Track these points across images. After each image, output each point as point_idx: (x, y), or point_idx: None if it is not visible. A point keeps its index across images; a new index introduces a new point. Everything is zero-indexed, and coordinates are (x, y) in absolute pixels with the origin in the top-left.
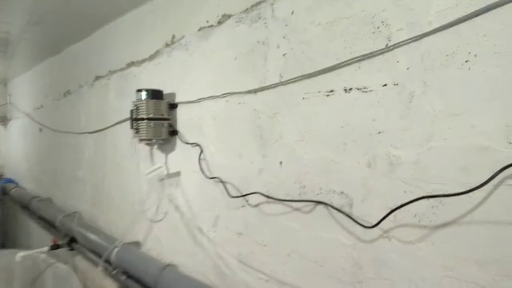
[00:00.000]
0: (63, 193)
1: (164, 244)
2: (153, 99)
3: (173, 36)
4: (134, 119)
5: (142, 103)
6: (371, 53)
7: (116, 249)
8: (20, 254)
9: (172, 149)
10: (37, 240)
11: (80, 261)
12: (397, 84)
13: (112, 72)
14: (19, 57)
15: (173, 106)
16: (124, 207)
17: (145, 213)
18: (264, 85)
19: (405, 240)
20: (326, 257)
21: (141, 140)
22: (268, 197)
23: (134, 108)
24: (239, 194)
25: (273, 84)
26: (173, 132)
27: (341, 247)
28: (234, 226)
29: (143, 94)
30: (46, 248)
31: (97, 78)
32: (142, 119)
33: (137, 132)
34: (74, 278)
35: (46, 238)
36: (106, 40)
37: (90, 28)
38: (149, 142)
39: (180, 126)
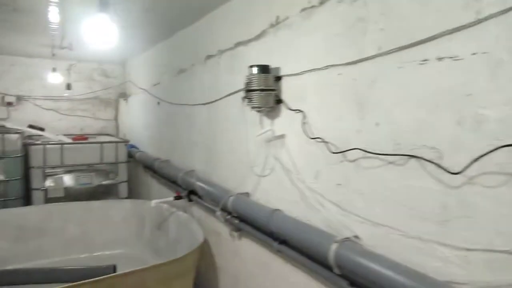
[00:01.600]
0: (180, 155)
1: (270, 194)
2: (262, 73)
3: (277, 17)
4: (247, 90)
5: (254, 76)
6: (462, 25)
7: (231, 198)
8: (154, 201)
9: (277, 115)
10: (156, 194)
11: (196, 210)
12: (485, 53)
13: (221, 52)
14: (136, 41)
15: (278, 79)
16: (235, 165)
17: (253, 170)
18: (363, 57)
19: (488, 185)
20: (416, 201)
21: (252, 108)
22: (366, 151)
23: (247, 81)
24: (339, 151)
25: (371, 56)
26: (279, 101)
27: (430, 193)
28: (334, 178)
29: (255, 69)
30: (171, 198)
31: (208, 57)
32: (254, 90)
33: (249, 102)
34: (194, 224)
35: (164, 192)
36: (215, 23)
37: (199, 13)
38: (259, 109)
39: (284, 96)
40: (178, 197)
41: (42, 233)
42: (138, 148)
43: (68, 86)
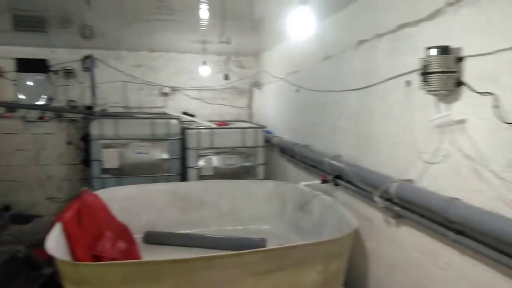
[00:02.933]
0: (322, 140)
1: (442, 181)
2: (442, 54)
3: None
4: (424, 73)
5: (433, 58)
6: None
7: (394, 184)
8: (303, 183)
9: (456, 99)
10: (294, 177)
11: (341, 195)
12: None
13: (379, 35)
14: (270, 34)
15: (459, 60)
16: (395, 151)
17: (421, 156)
18: None
19: None
20: None
21: (429, 91)
22: None
23: (425, 63)
24: None
25: None
26: (459, 83)
27: None
28: None
29: (433, 51)
30: (318, 181)
31: (361, 42)
32: (433, 72)
33: (426, 85)
34: (342, 208)
35: (301, 175)
36: (369, 8)
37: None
38: (435, 93)
39: (467, 78)
40: (324, 181)
41: (202, 205)
42: (272, 133)
43: (226, 77)
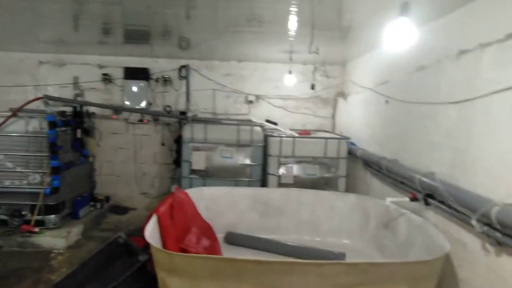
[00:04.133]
0: (412, 155)
1: None
2: None
3: None
4: None
5: None
6: None
7: (495, 208)
8: (389, 199)
9: None
10: (377, 192)
11: (432, 215)
12: None
13: (484, 45)
14: (358, 43)
15: None
16: (496, 171)
17: None
18: None
19: None
20: None
21: None
22: None
23: None
24: None
25: None
26: None
27: None
28: None
29: None
30: (407, 199)
31: (462, 51)
32: None
33: None
34: (433, 229)
35: (386, 191)
36: (473, 17)
37: (449, 8)
38: None
39: None
40: (414, 199)
41: (281, 212)
42: (355, 145)
43: (313, 86)
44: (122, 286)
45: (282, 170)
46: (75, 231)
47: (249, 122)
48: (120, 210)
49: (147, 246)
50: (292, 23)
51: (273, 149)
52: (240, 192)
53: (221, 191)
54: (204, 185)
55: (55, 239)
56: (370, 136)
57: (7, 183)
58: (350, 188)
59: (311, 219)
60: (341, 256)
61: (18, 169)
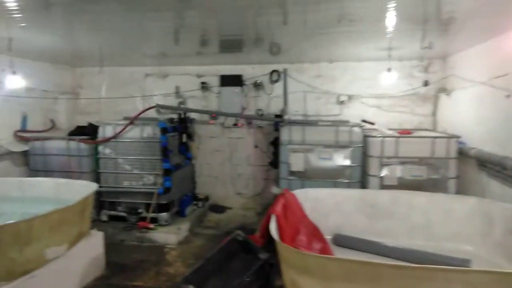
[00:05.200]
0: None
1: None
2: None
3: None
4: None
5: None
6: None
7: None
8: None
9: None
10: (496, 195)
11: None
12: None
13: None
14: (463, 35)
15: None
16: None
17: None
18: None
19: None
20: None
21: None
22: None
23: None
24: None
25: None
26: None
27: None
28: None
29: None
30: None
31: None
32: None
33: None
34: None
35: (506, 193)
36: None
37: None
38: None
39: None
40: None
41: (390, 216)
42: (464, 144)
43: (426, 83)
44: (246, 282)
45: (384, 172)
46: (184, 228)
47: (346, 123)
48: (219, 209)
49: (265, 244)
50: (390, 19)
51: (374, 150)
52: (345, 193)
53: (326, 193)
54: (302, 186)
55: (167, 235)
56: (485, 134)
57: (125, 183)
58: (460, 190)
59: (425, 223)
60: (466, 263)
61: (135, 171)
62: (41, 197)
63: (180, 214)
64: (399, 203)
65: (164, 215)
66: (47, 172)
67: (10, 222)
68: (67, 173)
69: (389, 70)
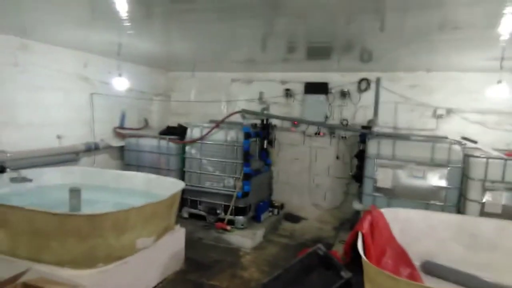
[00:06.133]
0: None
1: None
2: None
3: None
4: None
5: None
6: None
7: None
8: None
9: None
10: None
11: None
12: None
13: None
14: None
15: None
16: None
17: None
18: None
19: None
20: None
21: None
22: None
23: None
24: None
25: None
26: None
27: None
28: None
29: None
30: None
31: None
32: None
33: None
34: None
35: None
36: None
37: None
38: None
39: None
40: None
41: (494, 248)
42: None
43: None
44: None
45: (487, 197)
46: (259, 233)
47: (443, 139)
48: (293, 218)
49: (348, 262)
50: (506, 25)
51: (476, 172)
52: (441, 217)
53: (419, 215)
54: (388, 204)
55: (243, 239)
56: None
57: (207, 184)
58: None
59: None
60: None
61: (217, 173)
62: (133, 190)
63: (256, 219)
64: (506, 235)
65: (241, 218)
66: (139, 167)
67: (111, 211)
68: (156, 169)
69: (499, 82)
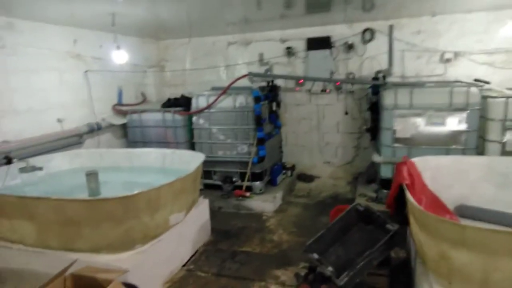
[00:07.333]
0: None
1: None
2: None
3: None
4: None
5: None
6: None
7: None
8: None
9: None
10: None
11: None
12: None
13: None
14: None
15: None
16: None
17: None
18: None
19: None
20: None
21: None
22: None
23: None
24: None
25: None
26: None
27: None
28: None
29: None
30: None
31: None
32: None
33: None
34: None
35: None
36: None
37: None
38: None
39: None
40: None
41: None
42: None
43: None
44: (376, 253)
45: (508, 136)
46: (278, 196)
47: (456, 83)
48: (306, 178)
49: (392, 215)
50: None
51: (495, 112)
52: (471, 161)
53: (449, 160)
54: (409, 153)
55: (264, 203)
56: None
57: (220, 153)
58: None
59: None
60: None
61: (229, 141)
62: (147, 167)
63: (272, 183)
64: None
65: (258, 183)
66: (145, 143)
67: (143, 190)
68: (164, 144)
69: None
